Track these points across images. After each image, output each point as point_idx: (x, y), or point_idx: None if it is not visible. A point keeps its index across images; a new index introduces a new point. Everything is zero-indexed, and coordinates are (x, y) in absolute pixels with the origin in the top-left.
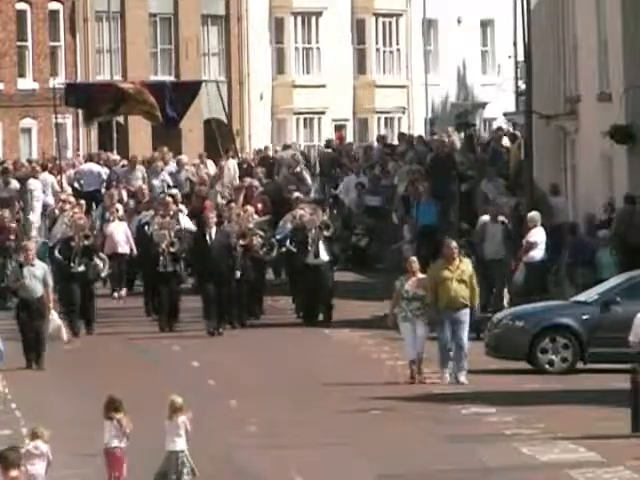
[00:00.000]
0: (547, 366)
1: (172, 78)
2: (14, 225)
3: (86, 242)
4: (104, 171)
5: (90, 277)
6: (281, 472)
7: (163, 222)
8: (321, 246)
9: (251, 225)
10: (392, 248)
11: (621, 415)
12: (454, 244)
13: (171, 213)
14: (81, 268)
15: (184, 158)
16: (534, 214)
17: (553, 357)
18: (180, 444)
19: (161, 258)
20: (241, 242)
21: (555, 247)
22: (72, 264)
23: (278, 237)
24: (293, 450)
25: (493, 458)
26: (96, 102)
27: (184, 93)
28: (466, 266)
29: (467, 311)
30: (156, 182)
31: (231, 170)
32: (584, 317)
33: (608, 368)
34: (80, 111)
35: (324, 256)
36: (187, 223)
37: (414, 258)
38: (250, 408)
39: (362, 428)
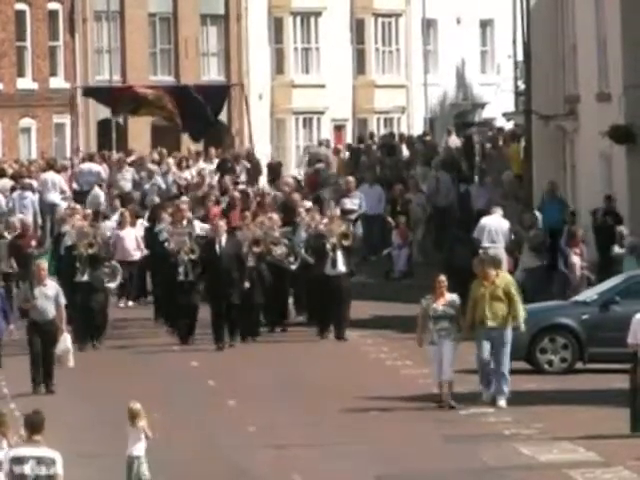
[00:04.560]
0: (546, 366)
1: (172, 78)
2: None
3: (90, 251)
4: (103, 170)
5: (97, 287)
6: (280, 472)
7: (175, 230)
8: (339, 256)
9: (277, 234)
10: (383, 253)
11: (620, 415)
12: (482, 259)
13: (185, 221)
14: (85, 278)
15: (170, 160)
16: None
17: (552, 357)
18: (138, 450)
19: (181, 267)
20: (254, 249)
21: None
22: (76, 273)
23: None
24: (293, 450)
25: (492, 458)
26: (114, 102)
27: (210, 99)
28: (502, 280)
29: (507, 331)
30: (147, 187)
31: (211, 175)
32: (583, 317)
33: (607, 368)
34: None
35: (342, 267)
36: (200, 229)
37: (443, 277)
38: (249, 409)
39: (361, 428)
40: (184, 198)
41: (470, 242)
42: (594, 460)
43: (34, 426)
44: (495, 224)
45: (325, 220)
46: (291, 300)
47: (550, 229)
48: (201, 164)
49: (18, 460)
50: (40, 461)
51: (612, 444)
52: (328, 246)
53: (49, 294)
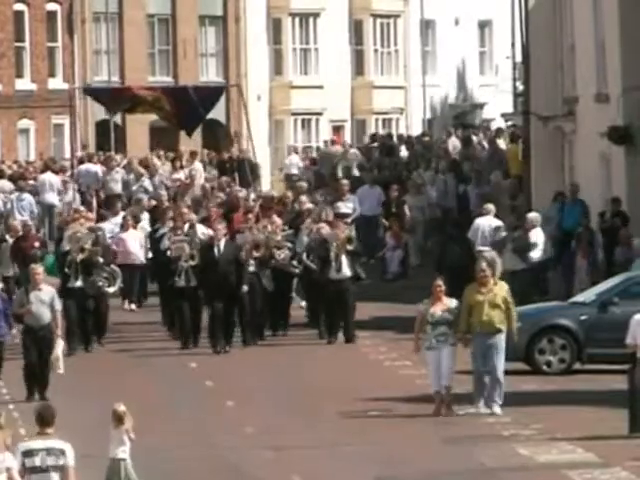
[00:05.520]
0: (545, 367)
1: (170, 79)
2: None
3: (81, 255)
4: (102, 171)
5: (90, 293)
6: (279, 473)
7: (176, 238)
8: (344, 261)
9: (279, 237)
10: (376, 256)
11: (619, 416)
12: (484, 266)
13: (187, 225)
14: (78, 283)
15: (157, 162)
16: (533, 215)
17: (551, 358)
18: (123, 452)
19: (181, 274)
20: (255, 254)
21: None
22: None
23: (298, 250)
24: (291, 451)
25: (491, 459)
26: (112, 102)
27: (206, 99)
28: (500, 289)
29: (502, 336)
30: (134, 188)
31: (201, 176)
32: (582, 318)
33: (606, 369)
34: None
35: (347, 271)
36: (202, 234)
37: (441, 282)
38: (247, 410)
39: (360, 429)
40: (185, 200)
41: (463, 241)
42: (592, 461)
43: (44, 419)
44: (488, 225)
45: (322, 224)
46: (304, 303)
47: (570, 231)
48: (196, 165)
49: (29, 453)
50: (49, 452)
51: (611, 445)
52: (332, 251)
53: (44, 299)
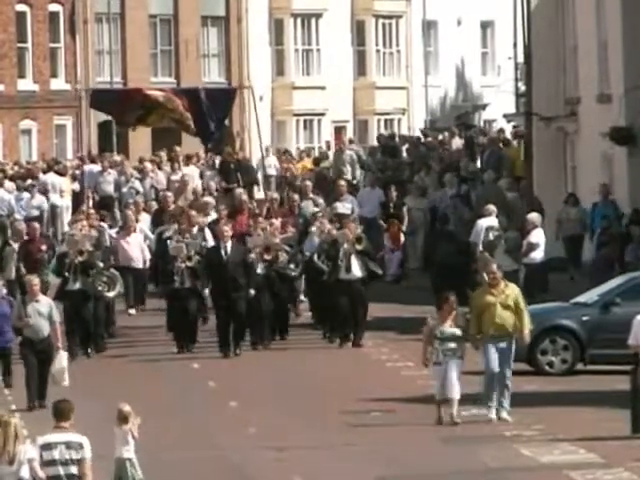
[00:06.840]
0: (547, 367)
1: (172, 79)
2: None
3: (80, 258)
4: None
5: (91, 295)
6: (281, 473)
7: (184, 239)
8: (353, 261)
9: (277, 240)
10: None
11: (621, 416)
12: (495, 267)
13: (195, 228)
14: (77, 286)
15: (148, 165)
16: (534, 215)
17: (553, 358)
18: (128, 451)
19: (177, 275)
20: (266, 256)
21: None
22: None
23: (307, 253)
24: (293, 451)
25: (493, 459)
26: (122, 109)
27: (219, 102)
28: (511, 291)
29: (512, 340)
30: (124, 190)
31: (195, 179)
32: (584, 318)
33: (608, 369)
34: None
35: (356, 271)
36: (210, 239)
37: (453, 298)
38: (250, 410)
39: (362, 429)
40: (207, 200)
41: (454, 238)
42: (595, 461)
43: (60, 413)
44: (490, 226)
45: (329, 226)
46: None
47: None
48: (190, 169)
49: (47, 446)
50: (68, 446)
51: (613, 445)
52: (341, 252)
53: (42, 311)
